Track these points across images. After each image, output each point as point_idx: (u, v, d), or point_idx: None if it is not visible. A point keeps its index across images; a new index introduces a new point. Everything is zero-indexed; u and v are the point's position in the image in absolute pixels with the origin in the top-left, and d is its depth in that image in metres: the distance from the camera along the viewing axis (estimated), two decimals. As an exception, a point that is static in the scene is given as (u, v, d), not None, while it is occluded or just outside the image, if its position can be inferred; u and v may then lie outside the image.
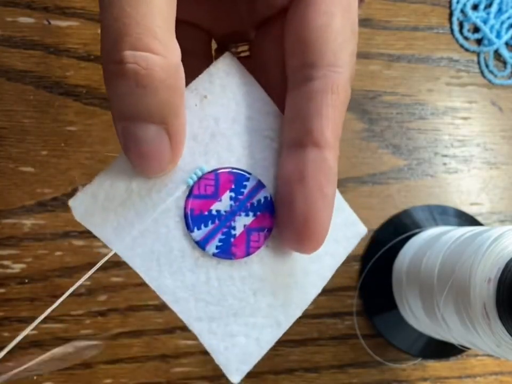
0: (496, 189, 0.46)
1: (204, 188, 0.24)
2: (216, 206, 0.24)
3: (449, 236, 0.38)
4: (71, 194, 0.41)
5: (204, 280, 0.25)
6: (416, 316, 0.40)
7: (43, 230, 0.40)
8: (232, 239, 0.25)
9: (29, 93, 0.41)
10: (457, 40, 0.47)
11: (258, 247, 0.25)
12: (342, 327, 0.43)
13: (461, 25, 0.47)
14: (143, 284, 0.21)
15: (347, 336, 0.44)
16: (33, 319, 0.43)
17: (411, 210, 0.45)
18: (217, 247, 0.24)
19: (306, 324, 0.43)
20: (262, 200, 0.25)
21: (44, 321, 0.42)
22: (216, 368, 0.42)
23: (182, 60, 0.18)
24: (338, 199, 0.28)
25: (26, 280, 0.40)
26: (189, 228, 0.24)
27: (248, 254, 0.25)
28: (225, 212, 0.24)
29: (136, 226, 0.22)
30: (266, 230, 0.25)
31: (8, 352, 0.41)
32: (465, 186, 0.46)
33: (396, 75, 0.46)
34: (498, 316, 0.30)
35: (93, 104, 0.42)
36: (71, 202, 0.22)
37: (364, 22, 0.46)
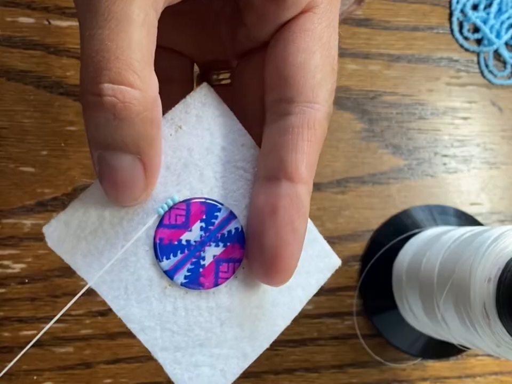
0: (496, 189, 0.46)
1: (175, 218, 0.24)
2: (186, 236, 0.24)
3: (449, 236, 0.38)
4: (72, 194, 0.41)
5: (171, 309, 0.25)
6: (416, 316, 0.40)
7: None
8: (201, 269, 0.24)
9: (29, 93, 0.41)
10: (457, 40, 0.47)
11: (227, 278, 0.25)
12: (342, 327, 0.44)
13: (460, 25, 0.47)
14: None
15: (347, 336, 0.44)
16: (33, 319, 0.43)
17: (411, 210, 0.45)
18: (185, 277, 0.24)
19: (306, 324, 0.43)
20: (233, 231, 0.25)
21: (44, 321, 0.42)
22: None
23: (164, 87, 0.18)
24: (312, 230, 0.28)
25: (26, 280, 0.40)
26: (157, 258, 0.23)
27: (216, 284, 0.24)
28: (195, 242, 0.24)
29: (105, 254, 0.22)
30: (236, 261, 0.25)
31: (9, 352, 0.41)
32: (465, 186, 0.46)
33: (396, 75, 0.46)
34: (498, 316, 0.30)
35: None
36: (45, 229, 0.23)
37: (364, 22, 0.46)
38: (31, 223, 0.40)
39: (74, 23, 0.42)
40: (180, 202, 0.24)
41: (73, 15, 0.42)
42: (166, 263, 0.24)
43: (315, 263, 0.28)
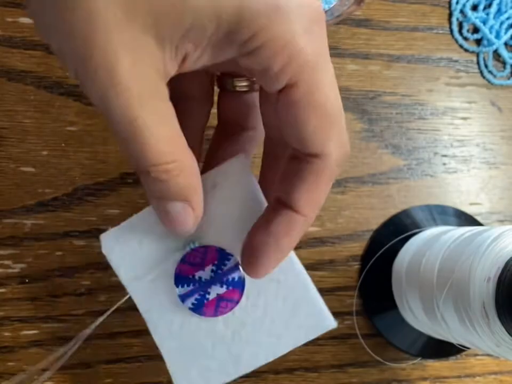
0: (496, 188, 0.47)
1: (194, 258, 0.31)
2: (199, 273, 0.31)
3: (449, 236, 0.38)
4: (72, 194, 0.41)
5: (179, 323, 0.32)
6: (416, 316, 0.40)
7: (43, 230, 0.40)
8: (205, 301, 0.31)
9: (29, 93, 0.41)
10: (456, 41, 0.47)
11: (225, 313, 0.31)
12: (342, 326, 0.44)
13: (460, 26, 0.47)
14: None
15: (347, 336, 0.44)
16: (33, 318, 0.43)
17: (411, 210, 0.45)
18: (192, 304, 0.31)
19: (306, 324, 0.43)
20: (236, 278, 0.31)
21: (44, 320, 0.42)
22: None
23: (185, 103, 0.25)
24: (313, 293, 0.33)
25: (27, 280, 0.40)
26: (175, 283, 0.31)
27: (215, 315, 0.31)
28: (205, 279, 0.31)
29: (140, 268, 0.30)
30: (234, 301, 0.31)
31: (9, 352, 0.41)
32: (465, 186, 0.46)
33: (396, 75, 0.46)
34: (497, 315, 0.30)
35: (93, 104, 0.42)
36: (102, 236, 0.29)
37: (364, 23, 0.46)
38: (31, 223, 0.40)
39: (75, 23, 0.42)
40: (201, 246, 0.30)
41: (74, 15, 0.42)
42: (180, 290, 0.31)
43: (309, 321, 0.33)
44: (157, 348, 0.41)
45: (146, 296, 0.30)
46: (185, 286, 0.31)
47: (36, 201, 0.41)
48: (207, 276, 0.31)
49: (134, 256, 0.29)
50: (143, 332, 0.41)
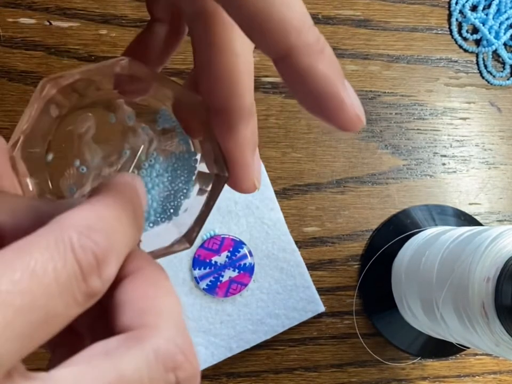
0: (495, 188, 0.47)
1: (212, 244, 0.36)
2: (215, 258, 0.36)
3: (448, 236, 0.38)
4: (72, 194, 0.41)
5: (191, 303, 0.36)
6: (415, 315, 0.41)
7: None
8: (218, 283, 0.36)
9: (30, 94, 0.41)
10: (456, 41, 0.47)
11: (234, 294, 0.36)
12: (342, 326, 0.44)
13: (459, 26, 0.47)
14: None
15: (346, 336, 0.44)
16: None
17: (410, 210, 0.45)
18: (206, 285, 0.36)
19: (306, 323, 0.43)
20: (247, 264, 0.37)
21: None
22: (215, 368, 0.42)
23: (155, 24, 0.23)
24: (307, 280, 0.41)
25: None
26: (193, 266, 0.36)
27: (226, 296, 0.36)
28: (220, 264, 0.36)
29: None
30: (243, 284, 0.37)
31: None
32: (464, 186, 0.46)
33: (395, 76, 0.46)
34: (497, 315, 0.30)
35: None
36: None
37: (363, 23, 0.46)
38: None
39: (75, 24, 0.42)
40: (218, 235, 0.37)
41: (74, 15, 0.42)
42: (197, 272, 0.36)
43: (303, 304, 0.40)
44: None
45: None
46: (202, 268, 0.36)
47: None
48: (222, 261, 0.36)
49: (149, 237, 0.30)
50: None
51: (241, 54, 0.21)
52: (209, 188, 0.22)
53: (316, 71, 0.17)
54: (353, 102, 0.18)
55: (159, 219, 0.22)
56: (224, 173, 0.21)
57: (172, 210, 0.22)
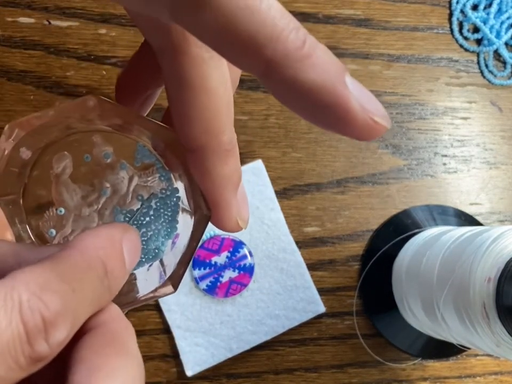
0: (496, 189, 0.47)
1: (212, 244, 0.36)
2: (215, 258, 0.36)
3: (449, 236, 0.38)
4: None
5: (191, 303, 0.36)
6: (416, 316, 0.40)
7: (43, 230, 0.40)
8: (218, 284, 0.36)
9: (29, 93, 0.41)
10: (457, 40, 0.47)
11: (234, 295, 0.36)
12: (342, 326, 0.44)
13: (460, 26, 0.47)
14: (144, 284, 0.21)
15: (347, 336, 0.44)
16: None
17: (411, 210, 0.45)
18: (206, 285, 0.36)
19: (306, 324, 0.43)
20: (247, 264, 0.37)
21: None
22: (215, 369, 0.42)
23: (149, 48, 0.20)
24: (309, 281, 0.41)
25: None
26: (193, 267, 0.35)
27: (226, 296, 0.36)
28: (220, 264, 0.36)
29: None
30: (243, 285, 0.37)
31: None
32: (465, 186, 0.46)
33: (396, 75, 0.46)
34: (497, 316, 0.30)
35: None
36: None
37: (364, 22, 0.46)
38: (31, 223, 0.40)
39: (74, 23, 0.42)
40: (218, 235, 0.36)
41: (73, 15, 0.42)
42: (197, 272, 0.35)
43: (303, 305, 0.40)
44: (156, 348, 0.41)
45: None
46: (202, 269, 0.36)
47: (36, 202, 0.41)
48: (222, 261, 0.36)
49: None
50: (143, 331, 0.41)
51: (216, 88, 0.19)
52: (191, 228, 0.21)
53: (304, 82, 0.14)
54: (365, 105, 0.15)
55: (143, 259, 0.22)
56: (206, 212, 0.20)
57: (156, 251, 0.22)
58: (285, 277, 0.40)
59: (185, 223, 0.22)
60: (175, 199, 0.22)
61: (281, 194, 0.42)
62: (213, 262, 0.36)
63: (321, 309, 0.41)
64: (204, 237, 0.37)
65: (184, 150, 0.20)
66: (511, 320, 0.29)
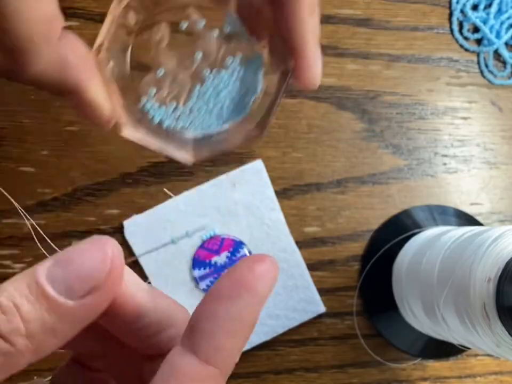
0: (496, 189, 0.46)
1: (212, 244, 0.36)
2: (215, 259, 0.36)
3: (449, 236, 0.38)
4: (71, 194, 0.41)
5: (191, 303, 0.36)
6: (416, 316, 0.40)
7: (43, 230, 0.40)
8: None
9: (29, 93, 0.41)
10: (457, 40, 0.47)
11: None
12: (342, 327, 0.44)
13: (460, 25, 0.47)
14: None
15: (347, 336, 0.44)
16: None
17: (411, 210, 0.45)
18: (206, 286, 0.36)
19: (306, 324, 0.43)
20: None
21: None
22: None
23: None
24: (308, 280, 0.41)
25: (27, 280, 0.40)
26: (193, 267, 0.35)
27: None
28: (220, 264, 0.36)
29: (161, 253, 0.35)
30: None
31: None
32: (465, 186, 0.46)
33: (396, 75, 0.46)
34: (498, 316, 0.30)
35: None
36: (125, 223, 0.37)
37: (364, 22, 0.46)
38: (31, 223, 0.40)
39: (74, 23, 0.42)
40: (218, 235, 0.36)
41: (73, 15, 0.42)
42: (197, 272, 0.35)
43: (303, 305, 0.40)
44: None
45: (161, 276, 0.35)
46: (202, 269, 0.36)
47: (36, 201, 0.41)
48: (222, 261, 0.36)
49: (149, 238, 0.34)
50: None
51: None
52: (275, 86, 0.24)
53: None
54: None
55: (232, 116, 0.25)
56: (288, 67, 0.23)
57: (243, 107, 0.25)
58: (285, 277, 0.40)
59: (269, 82, 0.25)
60: (260, 61, 0.24)
61: (281, 194, 0.42)
62: (213, 262, 0.36)
63: (321, 309, 0.41)
64: (204, 237, 0.37)
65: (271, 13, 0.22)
66: (511, 320, 0.29)
